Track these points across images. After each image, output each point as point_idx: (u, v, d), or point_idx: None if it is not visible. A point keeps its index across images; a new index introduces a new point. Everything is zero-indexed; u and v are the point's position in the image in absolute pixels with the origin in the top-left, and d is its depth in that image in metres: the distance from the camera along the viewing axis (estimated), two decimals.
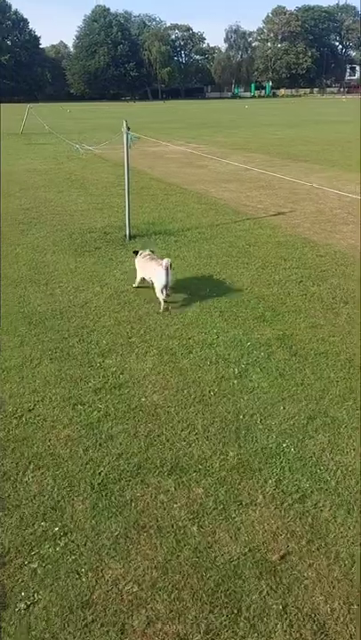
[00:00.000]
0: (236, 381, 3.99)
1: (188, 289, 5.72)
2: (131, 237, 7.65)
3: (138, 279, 5.73)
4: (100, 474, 3.06)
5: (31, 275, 6.29)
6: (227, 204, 9.92)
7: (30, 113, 25.85)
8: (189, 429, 3.44)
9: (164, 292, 5.24)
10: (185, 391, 3.88)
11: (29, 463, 3.16)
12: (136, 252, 5.75)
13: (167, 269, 5.12)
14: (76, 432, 3.43)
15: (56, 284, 5.96)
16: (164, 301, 5.25)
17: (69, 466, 3.13)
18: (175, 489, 2.94)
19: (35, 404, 3.75)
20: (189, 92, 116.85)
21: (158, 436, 3.38)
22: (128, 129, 7.26)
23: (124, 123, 7.25)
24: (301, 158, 15.95)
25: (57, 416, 3.61)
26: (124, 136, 7.29)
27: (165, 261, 5.16)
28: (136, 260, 5.72)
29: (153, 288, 5.36)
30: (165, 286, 5.20)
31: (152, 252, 5.70)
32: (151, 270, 5.39)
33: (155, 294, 5.34)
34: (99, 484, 2.98)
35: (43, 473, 3.07)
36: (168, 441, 3.33)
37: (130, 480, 3.01)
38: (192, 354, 4.43)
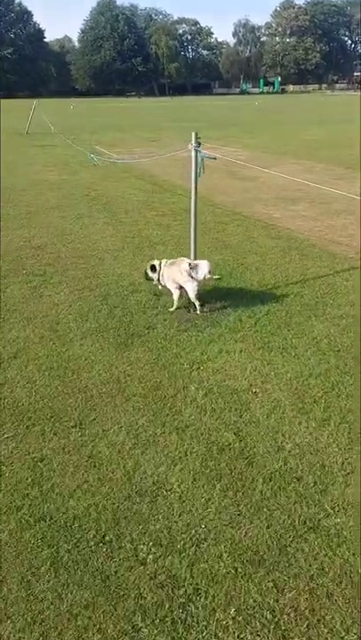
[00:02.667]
0: None
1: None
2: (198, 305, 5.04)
3: (176, 295, 4.90)
4: None
5: (43, 401, 3.69)
6: (308, 239, 7.31)
7: (36, 110, 23.17)
8: None
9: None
10: None
11: None
12: (154, 269, 5.02)
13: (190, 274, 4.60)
14: None
15: (94, 426, 3.35)
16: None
17: None
18: None
19: None
20: (196, 87, 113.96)
21: None
22: (198, 144, 4.63)
23: (193, 135, 4.63)
24: None
25: None
26: (193, 156, 4.67)
27: (185, 265, 4.64)
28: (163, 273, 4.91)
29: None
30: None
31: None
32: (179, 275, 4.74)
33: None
34: None
35: None
36: None
37: None
38: None
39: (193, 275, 4.68)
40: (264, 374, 3.82)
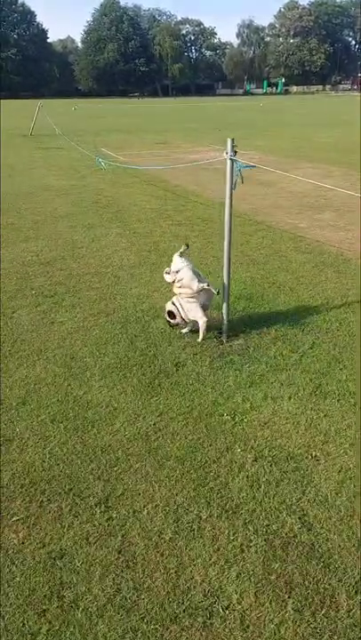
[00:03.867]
0: None
1: None
2: (230, 335, 4.42)
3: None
4: None
5: (59, 466, 3.06)
6: (341, 252, 6.68)
7: (39, 110, 22.58)
8: None
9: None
10: None
11: None
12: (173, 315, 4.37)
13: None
14: None
15: (122, 504, 2.72)
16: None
17: None
18: None
19: None
20: (200, 88, 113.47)
21: None
22: (235, 152, 4.01)
23: (229, 143, 4.00)
24: None
25: None
26: (229, 166, 4.04)
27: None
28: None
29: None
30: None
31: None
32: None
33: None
34: None
35: None
36: None
37: None
38: None
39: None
40: (322, 430, 3.19)
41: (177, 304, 4.37)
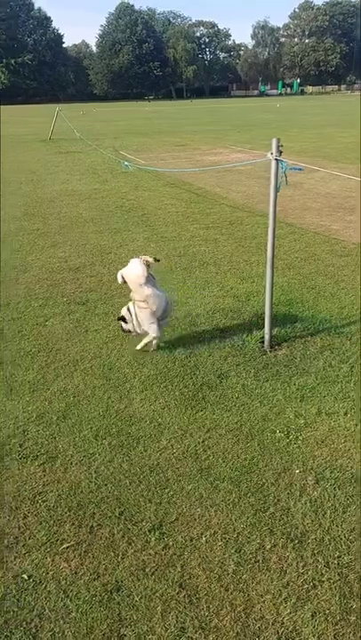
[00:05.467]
0: None
1: None
2: (274, 345, 4.23)
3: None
4: None
5: (107, 487, 2.90)
6: None
7: (57, 115, 22.60)
8: None
9: None
10: None
11: None
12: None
13: None
14: None
15: (177, 530, 2.55)
16: None
17: None
18: None
19: None
20: (214, 90, 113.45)
21: None
22: (280, 152, 3.82)
23: (274, 143, 3.81)
24: None
25: None
26: (273, 167, 3.85)
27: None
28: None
29: None
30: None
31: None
32: None
33: None
34: None
35: None
36: None
37: None
38: None
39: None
40: None
41: (131, 311, 4.13)
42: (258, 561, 2.31)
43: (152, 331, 4.11)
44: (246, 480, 2.79)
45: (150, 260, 4.12)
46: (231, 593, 2.17)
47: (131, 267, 4.08)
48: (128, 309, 4.18)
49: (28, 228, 8.22)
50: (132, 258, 4.26)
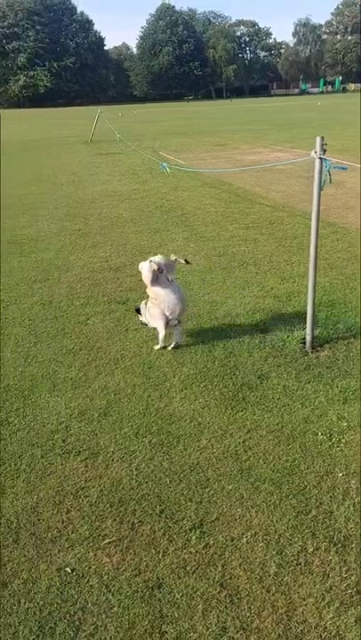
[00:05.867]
0: None
1: None
2: (315, 346, 4.17)
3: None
4: None
5: (148, 484, 2.92)
6: None
7: (98, 117, 22.90)
8: None
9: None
10: None
11: None
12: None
13: None
14: None
15: (218, 529, 2.55)
16: None
17: None
18: None
19: None
20: (254, 89, 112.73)
21: None
22: (324, 151, 3.76)
23: (318, 141, 3.76)
24: None
25: None
26: (318, 166, 3.79)
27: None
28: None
29: None
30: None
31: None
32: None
33: None
34: None
35: None
36: None
37: None
38: None
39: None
40: None
41: (147, 305, 4.31)
42: (300, 564, 2.29)
43: (159, 329, 4.20)
44: (288, 482, 2.76)
45: (181, 260, 4.25)
46: (273, 595, 2.16)
47: (141, 268, 4.19)
48: (145, 303, 4.35)
49: (70, 228, 8.36)
50: (170, 257, 4.32)
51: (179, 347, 4.30)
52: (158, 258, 4.17)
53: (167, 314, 4.16)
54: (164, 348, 4.30)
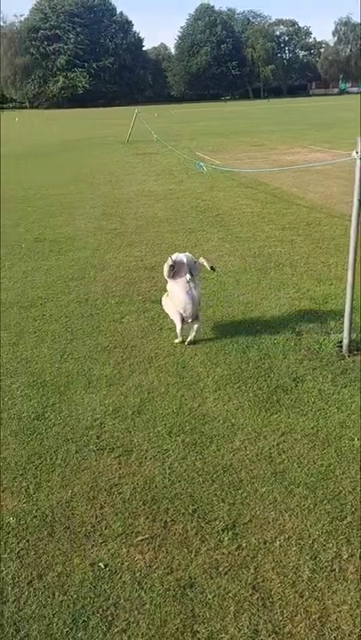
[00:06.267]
0: None
1: None
2: (352, 349, 4.10)
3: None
4: None
5: (180, 484, 2.92)
6: None
7: (136, 117, 23.08)
8: None
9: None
10: None
11: None
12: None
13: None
14: None
15: (251, 531, 2.53)
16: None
17: None
18: None
19: None
20: (292, 89, 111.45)
21: None
22: None
23: (359, 141, 3.69)
24: None
25: None
26: (358, 167, 3.73)
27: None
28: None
29: None
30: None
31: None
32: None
33: None
34: None
35: None
36: None
37: None
38: None
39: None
40: None
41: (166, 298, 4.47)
42: (334, 570, 2.25)
43: (175, 322, 4.35)
44: (322, 487, 2.73)
45: (206, 265, 4.35)
46: (306, 600, 2.13)
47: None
48: (166, 295, 4.53)
49: (107, 227, 8.46)
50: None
51: (195, 342, 4.37)
52: (184, 255, 4.22)
53: (180, 311, 4.26)
54: (182, 342, 4.37)
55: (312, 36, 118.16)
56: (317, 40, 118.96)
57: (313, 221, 8.14)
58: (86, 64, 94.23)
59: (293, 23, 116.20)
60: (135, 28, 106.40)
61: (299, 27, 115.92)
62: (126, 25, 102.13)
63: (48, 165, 16.72)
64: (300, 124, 29.83)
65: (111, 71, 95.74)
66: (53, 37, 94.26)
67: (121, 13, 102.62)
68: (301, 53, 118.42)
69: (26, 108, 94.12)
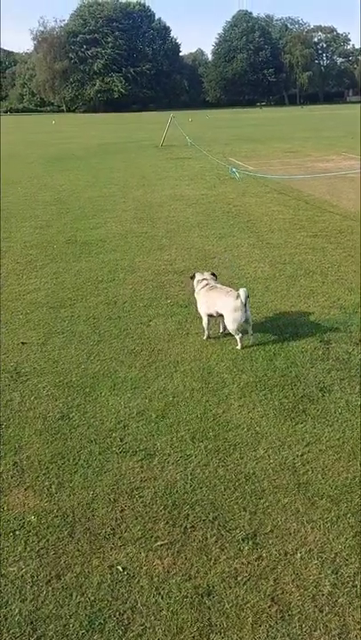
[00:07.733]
0: None
1: None
2: None
3: (205, 321, 4.57)
4: None
5: (202, 490, 2.90)
6: None
7: (170, 122, 23.18)
8: None
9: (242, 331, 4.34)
10: None
11: None
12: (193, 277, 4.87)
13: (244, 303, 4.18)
14: None
15: (271, 542, 2.49)
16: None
17: None
18: None
19: None
20: (328, 96, 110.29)
21: None
22: None
23: None
24: None
25: None
26: None
27: (242, 292, 4.20)
28: (196, 293, 4.71)
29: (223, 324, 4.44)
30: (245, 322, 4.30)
31: (213, 275, 4.85)
32: (220, 303, 4.38)
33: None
34: None
35: None
36: None
37: None
38: None
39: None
40: None
41: (203, 289, 4.67)
42: (356, 586, 2.20)
43: (203, 321, 4.60)
44: (347, 500, 2.67)
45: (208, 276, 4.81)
46: (326, 615, 2.09)
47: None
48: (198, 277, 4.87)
49: (137, 230, 8.50)
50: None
51: (221, 348, 4.41)
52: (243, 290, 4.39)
53: (202, 313, 4.63)
54: (209, 338, 4.57)
55: (351, 42, 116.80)
56: (356, 47, 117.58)
57: (345, 229, 8.02)
58: (123, 69, 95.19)
59: (332, 30, 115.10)
60: (173, 34, 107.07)
61: (337, 33, 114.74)
62: (164, 31, 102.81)
63: (84, 169, 16.92)
64: (335, 130, 29.49)
65: (148, 76, 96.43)
66: (92, 41, 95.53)
67: (159, 19, 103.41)
68: (339, 60, 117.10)
69: (63, 111, 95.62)
